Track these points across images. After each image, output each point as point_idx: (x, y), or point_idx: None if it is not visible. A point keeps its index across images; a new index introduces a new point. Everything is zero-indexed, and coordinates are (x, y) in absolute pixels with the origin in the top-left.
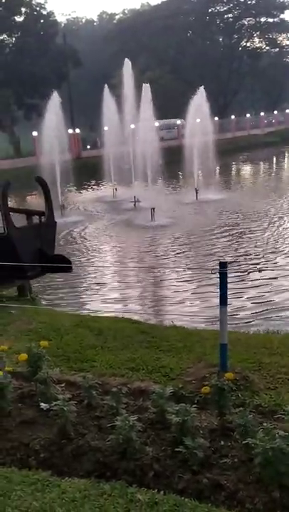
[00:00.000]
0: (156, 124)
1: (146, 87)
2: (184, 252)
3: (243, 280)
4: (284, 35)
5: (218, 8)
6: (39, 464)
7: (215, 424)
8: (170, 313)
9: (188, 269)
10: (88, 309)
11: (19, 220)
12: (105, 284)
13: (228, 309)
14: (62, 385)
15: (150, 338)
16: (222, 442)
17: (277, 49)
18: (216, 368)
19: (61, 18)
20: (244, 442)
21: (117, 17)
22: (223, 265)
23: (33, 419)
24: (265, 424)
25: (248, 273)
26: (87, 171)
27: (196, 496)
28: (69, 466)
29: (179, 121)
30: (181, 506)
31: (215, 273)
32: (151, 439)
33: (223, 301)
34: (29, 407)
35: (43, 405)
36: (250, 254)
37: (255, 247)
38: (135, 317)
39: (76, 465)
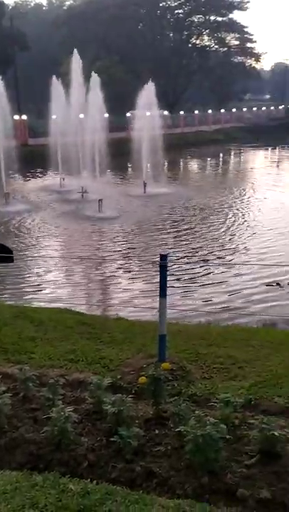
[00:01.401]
0: (128, 114)
1: (95, 77)
2: (130, 244)
3: (187, 273)
4: (232, 35)
5: (169, 2)
6: None
7: (150, 414)
8: (114, 304)
9: (134, 261)
10: (30, 300)
11: None
12: (49, 275)
13: (171, 301)
14: None
15: (91, 330)
16: (156, 431)
17: (226, 48)
18: (154, 358)
19: (8, 1)
20: (177, 430)
21: (67, 3)
22: (163, 258)
23: None
24: (197, 412)
25: (191, 266)
26: (33, 159)
27: (128, 484)
28: (1, 458)
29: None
30: (113, 495)
31: (156, 265)
32: (87, 430)
33: (163, 292)
34: None
35: None
36: (194, 247)
37: (201, 240)
38: (78, 308)
39: (9, 458)
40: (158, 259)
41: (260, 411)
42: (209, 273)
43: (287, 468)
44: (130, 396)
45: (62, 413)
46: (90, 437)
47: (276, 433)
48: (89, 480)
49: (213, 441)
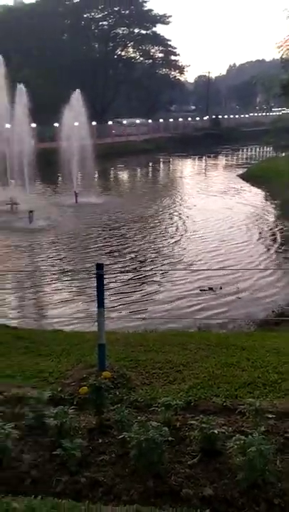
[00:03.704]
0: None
1: (20, 87)
2: (63, 254)
3: (121, 280)
4: (156, 47)
5: (93, 14)
6: None
7: (93, 423)
8: (50, 316)
9: (68, 271)
10: None
11: None
12: None
13: (107, 310)
14: None
15: (28, 344)
16: (100, 440)
17: (151, 61)
18: (94, 368)
19: None
20: (120, 437)
21: None
22: (99, 267)
23: None
24: (140, 417)
25: (125, 275)
26: None
27: (74, 496)
28: None
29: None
30: (59, 509)
31: (92, 274)
32: (29, 446)
33: (100, 302)
34: None
35: None
36: (128, 256)
37: (134, 248)
38: (12, 323)
39: None
40: (93, 266)
41: (199, 411)
42: (143, 280)
43: (227, 465)
44: (72, 407)
45: (2, 430)
46: (32, 453)
47: (216, 431)
48: (33, 496)
49: (156, 445)
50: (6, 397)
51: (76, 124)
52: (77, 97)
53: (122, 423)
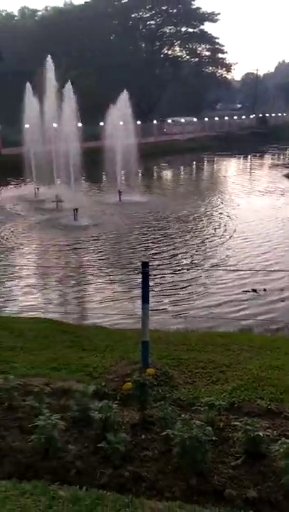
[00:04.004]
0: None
1: (68, 87)
2: (107, 252)
3: (165, 280)
4: (203, 45)
5: (141, 13)
6: None
7: (136, 419)
8: (93, 313)
9: (112, 269)
10: (9, 310)
11: None
12: (27, 284)
13: (150, 308)
14: None
15: (73, 338)
16: (143, 436)
17: (197, 59)
18: (137, 365)
19: None
20: (163, 434)
21: (39, 13)
22: (145, 265)
23: None
24: (183, 415)
25: (168, 273)
26: (7, 168)
27: (118, 489)
28: None
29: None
30: (103, 500)
31: (138, 273)
32: (74, 438)
33: (145, 299)
34: None
35: None
36: (173, 256)
37: (178, 247)
38: (57, 317)
39: None
40: (139, 266)
41: (243, 413)
42: (185, 280)
43: (272, 468)
44: (115, 402)
45: (49, 421)
46: (78, 444)
47: (260, 434)
48: (78, 486)
49: (200, 444)
50: (52, 389)
51: (121, 123)
52: (123, 97)
53: (166, 420)
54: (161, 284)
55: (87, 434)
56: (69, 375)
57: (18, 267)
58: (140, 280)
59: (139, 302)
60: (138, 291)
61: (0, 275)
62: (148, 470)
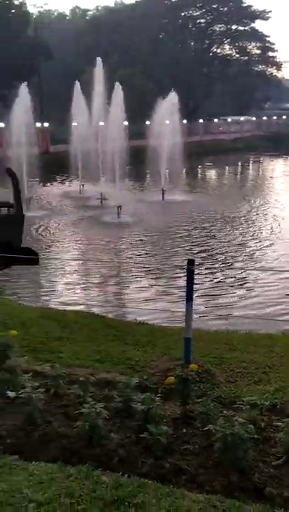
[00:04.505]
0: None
1: (117, 86)
2: (149, 249)
3: (207, 279)
4: (254, 43)
5: (191, 12)
6: (6, 449)
7: (178, 413)
8: (135, 308)
9: (153, 266)
10: (54, 303)
11: None
12: (71, 278)
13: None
14: (29, 374)
15: (116, 332)
16: (184, 430)
17: (247, 57)
18: (179, 361)
19: (33, 10)
20: (205, 429)
21: (90, 13)
22: (190, 262)
23: None
24: (225, 412)
25: (210, 272)
26: (54, 165)
27: (158, 479)
28: (36, 451)
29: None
30: (145, 488)
31: (183, 270)
32: (117, 427)
33: (189, 297)
34: None
35: (10, 394)
36: (218, 257)
37: (221, 247)
38: (100, 312)
39: (43, 451)
40: (181, 263)
41: (285, 415)
42: (231, 283)
43: None
44: (157, 396)
45: (94, 409)
46: (120, 434)
47: None
48: (120, 473)
49: (242, 441)
50: (96, 379)
51: (167, 122)
52: (170, 95)
53: (208, 415)
54: (203, 283)
55: (129, 425)
56: (112, 367)
57: (62, 263)
58: (184, 279)
59: (181, 301)
60: (179, 290)
61: (44, 270)
62: (188, 463)
